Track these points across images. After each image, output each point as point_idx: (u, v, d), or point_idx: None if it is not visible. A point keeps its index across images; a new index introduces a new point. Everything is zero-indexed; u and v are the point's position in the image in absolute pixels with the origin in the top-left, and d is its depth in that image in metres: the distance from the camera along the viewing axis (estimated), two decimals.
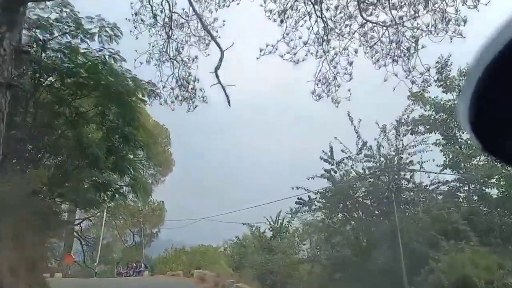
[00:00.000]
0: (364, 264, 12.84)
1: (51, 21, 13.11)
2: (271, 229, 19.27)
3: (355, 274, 12.88)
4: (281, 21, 9.94)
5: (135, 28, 12.06)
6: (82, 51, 13.21)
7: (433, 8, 9.33)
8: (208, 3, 11.36)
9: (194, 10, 11.06)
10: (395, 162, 13.19)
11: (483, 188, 14.28)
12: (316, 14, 10.13)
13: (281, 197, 23.73)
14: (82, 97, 14.45)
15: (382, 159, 13.44)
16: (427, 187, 13.44)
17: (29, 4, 8.83)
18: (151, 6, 12.06)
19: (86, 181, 15.26)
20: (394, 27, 9.80)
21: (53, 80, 14.09)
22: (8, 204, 8.60)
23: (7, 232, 8.10)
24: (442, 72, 12.87)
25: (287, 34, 9.91)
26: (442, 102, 15.42)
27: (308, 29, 10.14)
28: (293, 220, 19.23)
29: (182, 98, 13.93)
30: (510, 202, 13.63)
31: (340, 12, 10.14)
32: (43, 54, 13.49)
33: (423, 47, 10.11)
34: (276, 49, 10.56)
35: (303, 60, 10.72)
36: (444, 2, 9.18)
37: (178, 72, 13.56)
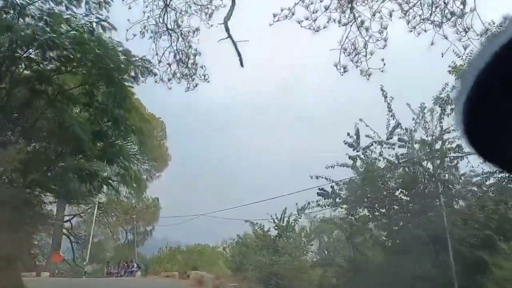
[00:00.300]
0: (398, 270, 10.93)
1: None
2: (276, 227, 17.60)
3: (385, 282, 10.98)
4: None
5: None
6: (65, 17, 11.45)
7: None
8: None
9: None
10: (437, 148, 11.27)
11: None
12: None
13: (278, 200, 22.13)
14: (66, 73, 12.70)
15: (417, 144, 11.60)
16: (479, 177, 11.17)
17: None
18: None
19: (70, 170, 13.49)
20: None
21: (32, 53, 12.34)
22: None
23: None
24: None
25: None
26: None
27: None
28: (300, 218, 17.59)
29: (181, 75, 12.24)
30: None
31: None
32: (21, 22, 11.74)
33: (471, 10, 8.46)
34: (293, 14, 8.92)
35: (324, 28, 9.08)
36: None
37: (176, 45, 11.87)
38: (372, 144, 12.16)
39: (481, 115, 0.70)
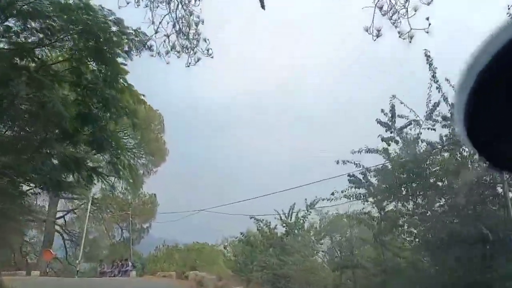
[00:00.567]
0: (444, 277, 9.20)
1: None
2: (283, 224, 16.15)
3: None
4: None
5: None
6: None
7: None
8: None
9: None
10: None
11: None
12: None
13: (282, 196, 20.66)
14: (49, 46, 11.20)
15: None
16: None
17: None
18: None
19: (53, 157, 11.98)
20: None
21: (11, 22, 10.83)
22: None
23: None
24: None
25: None
26: None
27: None
28: (309, 214, 16.15)
29: (181, 48, 10.76)
30: None
31: None
32: None
33: None
34: None
35: None
36: None
37: (176, 13, 10.41)
38: (410, 123, 10.46)
39: (483, 113, 0.69)
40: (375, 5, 7.33)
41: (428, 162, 9.72)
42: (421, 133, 10.40)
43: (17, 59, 10.89)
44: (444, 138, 9.70)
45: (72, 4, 10.38)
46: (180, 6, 10.31)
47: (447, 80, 9.80)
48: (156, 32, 10.33)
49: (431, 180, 9.78)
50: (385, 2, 7.33)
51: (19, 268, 27.70)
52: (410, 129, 10.61)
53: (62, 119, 9.46)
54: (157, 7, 10.39)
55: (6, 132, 11.50)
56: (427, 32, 6.85)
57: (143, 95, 11.62)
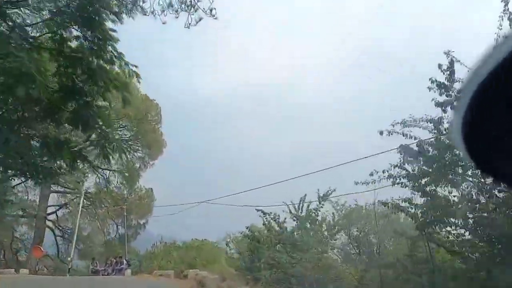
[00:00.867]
0: None
1: None
2: (294, 218, 14.59)
3: None
4: None
5: None
6: None
7: None
8: None
9: None
10: None
11: None
12: None
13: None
14: (25, 7, 9.58)
15: None
16: None
17: None
18: None
19: (32, 138, 10.35)
20: None
21: None
22: None
23: None
24: None
25: None
26: None
27: None
28: (322, 206, 14.58)
29: (180, 4, 9.18)
30: None
31: None
32: None
33: None
34: None
35: None
36: None
37: None
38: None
39: (481, 125, 0.69)
40: None
41: None
42: None
43: None
44: None
45: None
46: None
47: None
48: None
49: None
50: None
51: (8, 266, 26.17)
52: None
53: (34, 84, 7.77)
54: None
55: None
56: None
57: (136, 66, 9.98)
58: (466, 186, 8.71)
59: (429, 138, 9.11)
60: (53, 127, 10.17)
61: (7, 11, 9.29)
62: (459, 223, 8.75)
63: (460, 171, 8.53)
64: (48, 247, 34.71)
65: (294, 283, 11.87)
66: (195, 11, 8.90)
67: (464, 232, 8.89)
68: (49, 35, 9.99)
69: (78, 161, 10.41)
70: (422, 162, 9.42)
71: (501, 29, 7.83)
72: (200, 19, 9.05)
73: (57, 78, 9.98)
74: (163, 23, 9.26)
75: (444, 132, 8.47)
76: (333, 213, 15.02)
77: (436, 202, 8.78)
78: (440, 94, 8.63)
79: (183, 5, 8.84)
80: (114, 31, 10.02)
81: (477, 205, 8.61)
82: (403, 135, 9.25)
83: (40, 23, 9.94)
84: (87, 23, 9.65)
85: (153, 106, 31.35)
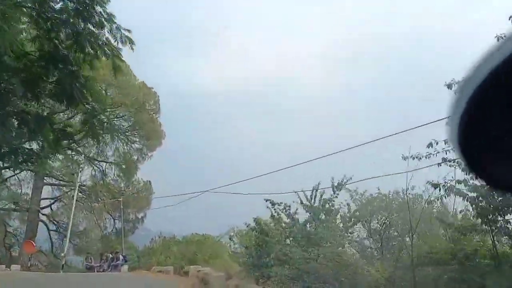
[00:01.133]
0: None
1: None
2: (306, 209, 13.18)
3: None
4: None
5: None
6: None
7: None
8: None
9: None
10: None
11: None
12: None
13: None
14: None
15: None
16: None
17: None
18: None
19: (11, 116, 8.91)
20: None
21: None
22: None
23: None
24: None
25: None
26: None
27: None
28: (336, 196, 13.21)
29: None
30: None
31: None
32: None
33: None
34: None
35: None
36: None
37: None
38: None
39: (477, 130, 0.69)
40: None
41: None
42: None
43: None
44: None
45: None
46: None
47: None
48: None
49: None
50: None
51: (1, 262, 24.95)
52: None
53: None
54: None
55: None
56: None
57: (129, 31, 8.55)
58: None
59: None
60: (33, 102, 8.76)
61: None
62: None
63: None
64: (43, 242, 33.47)
65: (310, 281, 10.55)
66: None
67: None
68: None
69: (61, 140, 9.00)
70: None
71: None
72: None
73: (37, 44, 8.54)
74: None
75: None
76: (347, 204, 13.66)
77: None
78: None
79: None
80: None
81: None
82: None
83: None
84: None
85: (151, 94, 29.93)
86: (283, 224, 13.62)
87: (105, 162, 32.44)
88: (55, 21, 8.50)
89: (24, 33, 8.88)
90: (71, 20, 8.44)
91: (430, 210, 10.66)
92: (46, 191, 31.88)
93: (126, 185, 31.62)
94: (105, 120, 9.07)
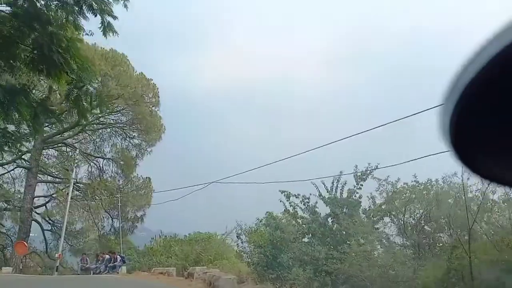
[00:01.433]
0: None
1: None
2: (328, 202, 11.60)
3: None
4: None
5: None
6: None
7: None
8: None
9: None
10: None
11: None
12: None
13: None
14: None
15: None
16: None
17: None
18: None
19: None
20: None
21: None
22: None
23: None
24: None
25: None
26: None
27: None
28: (360, 187, 11.67)
29: None
30: None
31: None
32: None
33: None
34: None
35: None
36: None
37: None
38: None
39: (470, 123, 0.69)
40: None
41: None
42: None
43: None
44: None
45: None
46: None
47: None
48: None
49: None
50: None
51: None
52: None
53: None
54: None
55: None
56: None
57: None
58: None
59: None
60: (6, 71, 7.21)
61: None
62: None
63: None
64: (39, 242, 31.94)
65: (339, 284, 9.03)
66: None
67: None
68: None
69: (40, 116, 7.44)
70: None
71: None
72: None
73: None
74: None
75: None
76: (371, 196, 12.08)
77: None
78: None
79: None
80: None
81: None
82: None
83: None
84: None
85: (150, 86, 28.34)
86: (300, 220, 12.08)
87: (102, 158, 30.91)
88: None
89: None
90: None
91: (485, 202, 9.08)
92: (41, 189, 30.41)
93: (125, 182, 30.08)
94: (93, 91, 7.52)
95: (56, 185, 29.22)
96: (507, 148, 0.72)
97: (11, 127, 7.94)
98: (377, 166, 11.64)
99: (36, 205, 28.96)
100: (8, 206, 27.40)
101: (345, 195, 11.90)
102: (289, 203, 12.21)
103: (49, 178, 29.37)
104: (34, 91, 8.14)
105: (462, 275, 7.25)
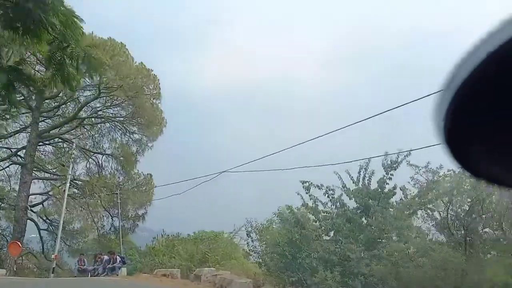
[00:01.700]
0: None
1: None
2: (356, 193, 10.09)
3: None
4: None
5: None
6: None
7: None
8: None
9: None
10: None
11: None
12: None
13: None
14: None
15: None
16: None
17: None
18: None
19: None
20: None
21: None
22: None
23: None
24: None
25: None
26: None
27: None
28: (390, 177, 10.25)
29: None
30: None
31: None
32: None
33: None
34: None
35: None
36: None
37: None
38: None
39: (464, 120, 0.68)
40: None
41: None
42: None
43: None
44: None
45: None
46: None
47: None
48: None
49: None
50: None
51: None
52: None
53: None
54: None
55: None
56: None
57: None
58: None
59: None
60: None
61: None
62: None
63: None
64: (37, 243, 30.63)
65: None
66: None
67: None
68: None
69: (15, 84, 6.01)
70: None
71: None
72: None
73: None
74: None
75: None
76: (402, 188, 10.62)
77: None
78: None
79: None
80: None
81: None
82: None
83: None
84: None
85: (151, 77, 26.92)
86: (322, 214, 10.64)
87: (101, 154, 29.56)
88: None
89: None
90: None
91: None
92: (38, 187, 29.08)
93: (125, 179, 28.71)
94: (80, 53, 6.09)
95: (53, 182, 27.85)
96: (503, 147, 0.70)
97: None
98: (409, 153, 10.21)
99: (33, 203, 27.68)
100: (2, 205, 26.07)
101: (373, 186, 10.48)
102: (309, 195, 10.80)
103: (46, 175, 28.03)
104: (10, 53, 6.70)
105: None
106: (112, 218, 29.02)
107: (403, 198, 10.74)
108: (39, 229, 26.91)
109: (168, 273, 15.37)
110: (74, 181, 27.18)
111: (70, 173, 23.78)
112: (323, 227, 10.60)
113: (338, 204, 10.56)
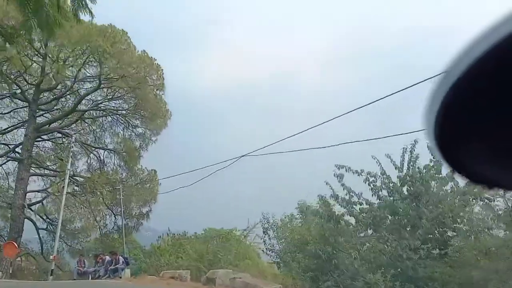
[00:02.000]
0: None
1: None
2: (408, 179, 8.44)
3: None
4: None
5: None
6: None
7: None
8: None
9: None
10: None
11: None
12: None
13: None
14: None
15: None
16: None
17: None
18: None
19: None
20: None
21: None
22: None
23: None
24: None
25: None
26: None
27: None
28: (434, 166, 8.62)
29: None
30: None
31: None
32: None
33: None
34: None
35: None
36: None
37: None
38: None
39: (456, 122, 0.67)
40: None
41: None
42: None
43: None
44: None
45: None
46: None
47: None
48: None
49: None
50: None
51: None
52: None
53: None
54: None
55: None
56: None
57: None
58: None
59: None
60: None
61: None
62: None
63: None
64: (37, 243, 29.27)
65: None
66: None
67: None
68: None
69: None
70: None
71: None
72: None
73: None
74: None
75: None
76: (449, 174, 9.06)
77: None
78: None
79: None
80: None
81: None
82: None
83: None
84: None
85: (154, 67, 25.39)
86: (358, 206, 9.07)
87: (103, 149, 28.12)
88: None
89: None
90: None
91: None
92: (37, 184, 27.68)
93: (128, 175, 27.25)
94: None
95: (52, 179, 26.42)
96: (503, 143, 0.67)
97: None
98: None
99: (31, 201, 26.30)
100: None
101: (417, 173, 8.85)
102: (342, 184, 9.20)
103: (45, 172, 26.63)
104: None
105: None
106: (115, 217, 27.53)
107: (453, 186, 9.14)
108: (37, 229, 25.49)
109: (176, 275, 13.86)
110: (75, 177, 25.75)
111: (70, 168, 22.30)
112: (360, 222, 9.02)
113: (380, 193, 8.98)
